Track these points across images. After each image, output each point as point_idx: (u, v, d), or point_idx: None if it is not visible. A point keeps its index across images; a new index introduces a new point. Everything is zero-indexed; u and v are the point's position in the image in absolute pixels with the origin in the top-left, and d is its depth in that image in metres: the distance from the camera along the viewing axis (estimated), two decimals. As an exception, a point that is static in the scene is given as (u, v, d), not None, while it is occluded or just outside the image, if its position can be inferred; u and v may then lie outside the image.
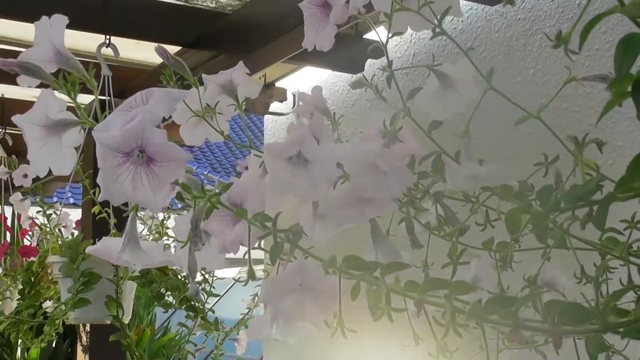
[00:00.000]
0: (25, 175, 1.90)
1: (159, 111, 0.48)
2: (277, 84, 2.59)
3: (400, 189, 0.55)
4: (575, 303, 0.46)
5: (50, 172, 0.54)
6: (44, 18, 0.56)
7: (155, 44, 0.66)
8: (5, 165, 2.37)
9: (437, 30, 0.57)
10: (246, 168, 2.54)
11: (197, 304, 1.90)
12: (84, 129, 0.54)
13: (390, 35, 0.57)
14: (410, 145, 0.58)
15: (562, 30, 0.49)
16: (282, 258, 0.62)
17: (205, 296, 1.99)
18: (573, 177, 0.58)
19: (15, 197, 1.99)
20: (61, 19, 0.56)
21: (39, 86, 0.56)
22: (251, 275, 0.55)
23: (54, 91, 0.54)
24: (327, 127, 0.63)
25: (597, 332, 0.45)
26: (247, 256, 0.59)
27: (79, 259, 1.84)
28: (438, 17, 0.57)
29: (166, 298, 1.90)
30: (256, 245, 0.59)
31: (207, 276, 2.07)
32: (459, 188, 0.56)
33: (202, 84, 0.67)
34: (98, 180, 0.48)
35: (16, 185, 1.96)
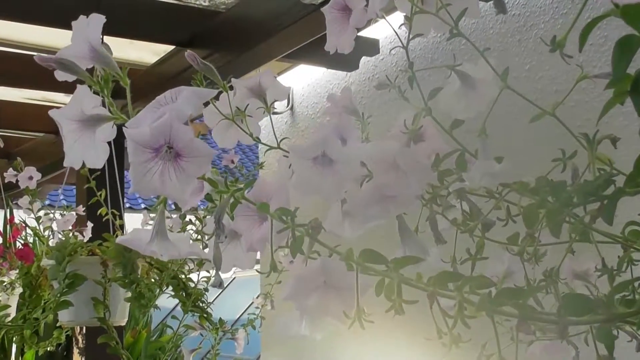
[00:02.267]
0: (31, 178, 1.91)
1: (186, 109, 0.50)
2: (271, 82, 2.60)
3: (420, 186, 0.57)
4: (580, 294, 0.48)
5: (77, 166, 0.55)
6: (82, 17, 0.58)
7: (150, 43, 0.67)
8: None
9: (454, 31, 0.59)
10: (232, 162, 2.53)
11: (202, 305, 1.90)
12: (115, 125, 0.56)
13: (411, 36, 0.58)
14: (434, 142, 0.60)
15: (558, 25, 0.51)
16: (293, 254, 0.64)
17: (207, 296, 2.00)
18: (589, 172, 0.60)
19: (24, 200, 1.99)
20: (98, 19, 0.58)
21: (75, 82, 0.57)
22: (273, 267, 0.57)
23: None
24: (355, 128, 0.64)
25: (602, 323, 0.47)
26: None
27: (65, 261, 1.84)
28: (454, 19, 0.59)
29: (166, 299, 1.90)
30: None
31: (210, 272, 2.07)
32: (477, 185, 0.58)
33: (231, 88, 0.69)
34: (129, 175, 0.50)
35: (21, 188, 1.96)
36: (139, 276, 1.86)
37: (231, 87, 0.68)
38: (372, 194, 0.58)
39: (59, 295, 1.82)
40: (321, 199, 0.56)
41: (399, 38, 0.60)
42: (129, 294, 1.91)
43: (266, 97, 0.70)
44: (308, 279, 0.55)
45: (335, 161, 0.58)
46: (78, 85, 0.56)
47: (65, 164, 0.55)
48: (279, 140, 0.65)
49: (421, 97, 0.59)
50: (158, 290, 1.93)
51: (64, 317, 1.91)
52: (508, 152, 0.64)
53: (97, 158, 0.56)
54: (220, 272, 0.63)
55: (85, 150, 0.56)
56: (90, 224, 2.05)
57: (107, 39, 2.05)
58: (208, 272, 1.96)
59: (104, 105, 0.58)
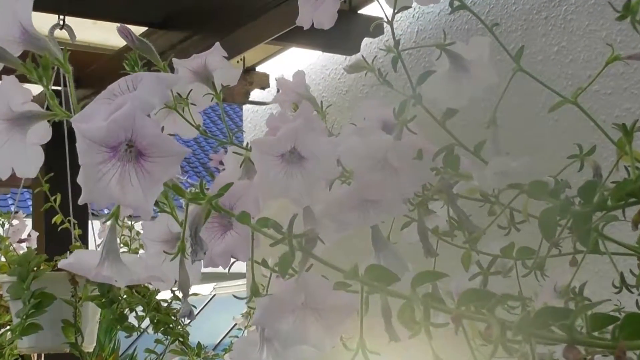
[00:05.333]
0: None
1: (150, 98, 0.48)
2: (258, 69, 2.60)
3: (414, 187, 0.56)
4: (637, 314, 0.46)
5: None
6: (8, -10, 0.56)
7: (116, 24, 0.67)
8: None
9: (457, 3, 0.58)
10: (221, 163, 2.53)
11: (177, 327, 1.90)
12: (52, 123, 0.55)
13: (396, 10, 0.58)
14: (416, 138, 0.59)
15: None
16: (274, 270, 0.63)
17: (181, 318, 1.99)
18: (616, 170, 0.59)
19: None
20: (28, -7, 0.56)
21: (2, 72, 0.56)
22: (254, 292, 0.56)
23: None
24: (319, 118, 0.63)
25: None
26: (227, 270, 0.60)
27: (30, 278, 1.83)
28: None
29: (134, 319, 1.90)
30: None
31: (177, 292, 2.07)
32: (487, 186, 0.57)
33: (172, 70, 0.68)
34: (79, 180, 0.48)
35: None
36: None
37: (172, 69, 0.67)
38: (350, 197, 0.58)
39: (24, 317, 1.81)
40: (285, 202, 0.55)
41: (383, 11, 0.59)
42: (98, 314, 1.90)
43: (214, 81, 0.68)
44: (283, 299, 0.54)
45: (306, 158, 0.57)
46: (3, 77, 0.54)
47: None
48: (231, 133, 0.64)
49: (408, 82, 0.58)
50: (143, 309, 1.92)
51: (24, 343, 1.90)
52: (518, 148, 0.63)
53: (29, 165, 0.54)
54: (188, 300, 0.62)
55: (14, 156, 0.54)
56: (35, 233, 2.04)
57: (68, 19, 2.04)
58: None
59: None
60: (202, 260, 0.58)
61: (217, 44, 0.67)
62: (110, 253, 0.56)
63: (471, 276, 0.63)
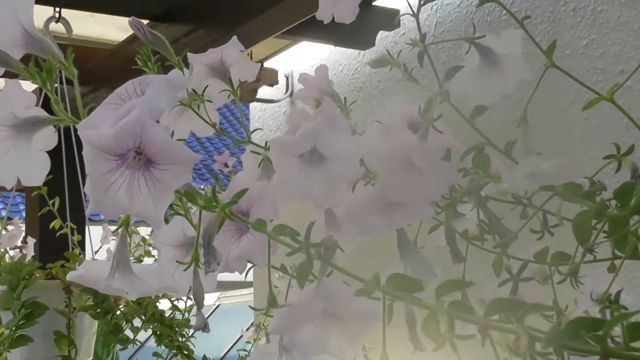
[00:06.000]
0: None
1: (160, 103, 0.49)
2: (266, 64, 2.61)
3: (441, 189, 0.57)
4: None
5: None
6: (8, -10, 0.56)
7: (115, 17, 0.67)
8: None
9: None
10: (225, 165, 2.49)
11: (181, 339, 1.91)
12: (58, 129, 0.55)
13: (422, 1, 0.58)
14: (444, 137, 0.60)
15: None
16: (293, 276, 0.64)
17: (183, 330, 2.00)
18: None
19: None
20: (30, -8, 0.56)
21: (4, 75, 0.57)
22: (271, 301, 0.56)
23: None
24: (342, 116, 0.64)
25: None
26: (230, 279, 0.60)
27: (21, 287, 1.84)
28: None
29: (130, 331, 1.90)
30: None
31: (176, 302, 2.08)
32: (516, 188, 0.58)
33: (187, 65, 0.68)
34: (86, 190, 0.49)
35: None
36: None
37: (187, 64, 0.68)
38: (374, 199, 0.58)
39: (14, 328, 1.81)
40: (306, 205, 0.56)
41: (407, 2, 0.60)
42: (95, 326, 1.91)
43: (231, 77, 0.69)
44: (302, 307, 0.55)
45: (327, 158, 0.58)
46: (6, 81, 0.55)
47: None
48: (249, 132, 0.65)
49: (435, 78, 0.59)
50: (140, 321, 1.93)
51: (15, 356, 1.91)
52: (544, 147, 0.64)
53: (35, 173, 0.55)
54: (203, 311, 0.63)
55: (19, 163, 0.54)
56: (32, 240, 2.05)
57: (64, 12, 2.05)
58: (187, 299, 1.97)
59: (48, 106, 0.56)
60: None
61: (234, 37, 0.68)
62: (120, 264, 0.57)
63: (500, 282, 0.64)
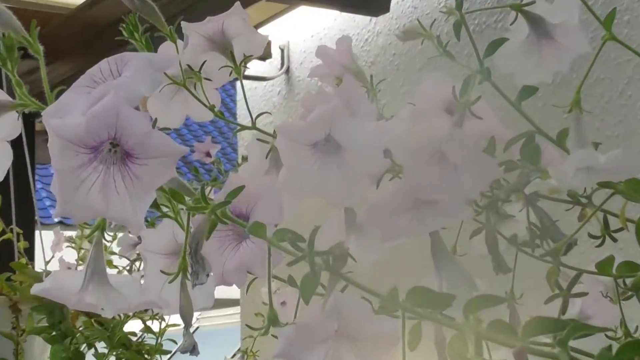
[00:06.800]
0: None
1: (138, 86, 0.50)
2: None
3: (479, 186, 0.57)
4: None
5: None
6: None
7: None
8: None
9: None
10: (207, 154, 2.49)
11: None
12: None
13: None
14: (487, 123, 0.61)
15: None
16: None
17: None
18: None
19: None
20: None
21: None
22: (272, 320, 0.57)
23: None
24: (365, 98, 0.65)
25: None
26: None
27: (-43, 305, 1.84)
28: None
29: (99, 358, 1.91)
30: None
31: (149, 323, 2.08)
32: (567, 185, 0.59)
33: (181, 36, 0.69)
34: (52, 188, 0.49)
35: None
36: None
37: (182, 36, 0.69)
38: (402, 197, 0.59)
39: (-48, 355, 1.82)
40: (321, 204, 0.57)
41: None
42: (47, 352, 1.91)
43: (233, 51, 0.70)
44: (312, 327, 0.56)
45: (345, 148, 0.58)
46: None
47: None
48: (254, 117, 0.66)
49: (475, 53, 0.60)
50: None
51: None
52: (599, 135, 0.65)
53: None
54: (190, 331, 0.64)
55: None
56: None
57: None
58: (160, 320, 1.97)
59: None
60: (213, 280, 0.60)
61: (238, 3, 0.68)
62: (95, 274, 0.57)
63: (547, 299, 0.65)
